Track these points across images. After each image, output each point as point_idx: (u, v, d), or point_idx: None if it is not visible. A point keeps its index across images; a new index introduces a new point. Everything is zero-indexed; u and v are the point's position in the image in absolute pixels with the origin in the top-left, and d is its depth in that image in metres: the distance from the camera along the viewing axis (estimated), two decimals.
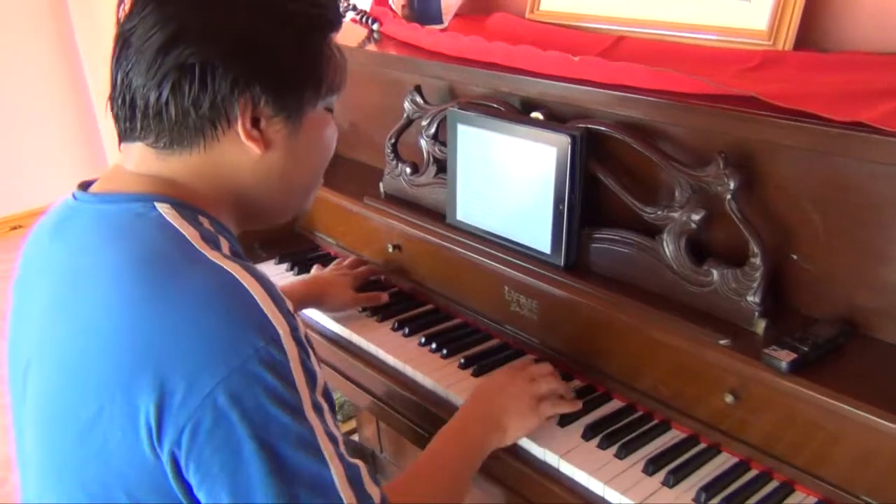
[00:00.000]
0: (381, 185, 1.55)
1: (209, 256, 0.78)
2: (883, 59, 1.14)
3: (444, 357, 1.30)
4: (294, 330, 0.76)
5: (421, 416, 1.24)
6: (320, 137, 0.92)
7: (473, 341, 1.34)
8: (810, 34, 1.21)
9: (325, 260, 1.66)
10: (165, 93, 0.80)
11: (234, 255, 0.82)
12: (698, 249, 1.08)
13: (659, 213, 1.10)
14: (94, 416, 0.75)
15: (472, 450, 1.04)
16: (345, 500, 0.74)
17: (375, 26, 1.69)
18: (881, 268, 0.97)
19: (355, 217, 1.59)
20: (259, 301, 0.75)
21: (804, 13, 1.17)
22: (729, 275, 1.04)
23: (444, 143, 1.40)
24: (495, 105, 1.29)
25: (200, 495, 0.74)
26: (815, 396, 0.92)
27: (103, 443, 0.75)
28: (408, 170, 1.48)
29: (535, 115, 1.22)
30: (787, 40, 1.17)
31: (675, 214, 1.08)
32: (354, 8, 1.72)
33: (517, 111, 1.27)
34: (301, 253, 1.71)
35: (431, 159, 1.43)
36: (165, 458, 0.73)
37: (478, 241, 1.33)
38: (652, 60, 1.10)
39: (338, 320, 1.43)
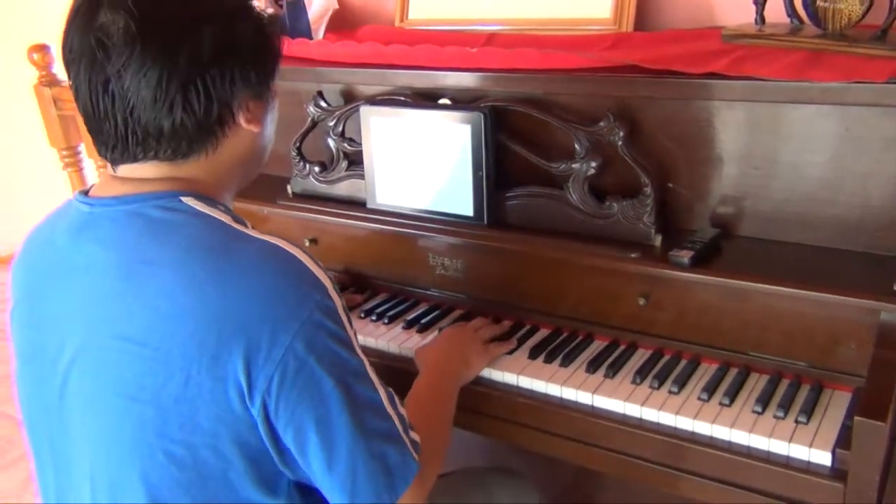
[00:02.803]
0: (288, 186, 1.68)
1: (251, 234, 0.91)
2: (697, 32, 1.48)
3: (387, 324, 1.47)
4: (333, 283, 0.92)
5: (380, 373, 1.40)
6: (276, 97, 1.04)
7: (405, 309, 1.52)
8: (643, 19, 1.54)
9: None
10: (179, 115, 0.89)
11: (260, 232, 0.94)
12: (597, 191, 1.36)
13: (563, 166, 1.36)
14: (180, 387, 0.85)
15: (450, 380, 1.24)
16: (392, 418, 0.93)
17: None
18: (727, 181, 1.30)
19: (263, 220, 1.70)
20: (305, 262, 0.90)
21: (637, 2, 1.50)
22: (627, 205, 1.32)
23: (351, 140, 1.58)
24: (402, 98, 1.49)
25: (287, 434, 0.87)
26: (712, 279, 1.21)
27: (191, 410, 0.86)
28: (316, 168, 1.63)
29: (444, 101, 1.43)
30: (628, 24, 1.49)
31: (577, 165, 1.34)
32: None
33: (424, 100, 1.48)
34: None
35: (341, 155, 1.60)
36: (257, 408, 0.86)
37: (400, 217, 1.52)
38: (540, 44, 1.36)
39: None
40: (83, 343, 0.91)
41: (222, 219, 0.92)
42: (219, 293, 0.85)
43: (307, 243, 1.65)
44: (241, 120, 0.95)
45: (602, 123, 1.30)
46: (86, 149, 2.65)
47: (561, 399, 1.25)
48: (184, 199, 0.92)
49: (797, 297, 1.16)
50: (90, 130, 0.93)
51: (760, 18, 1.36)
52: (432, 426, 1.10)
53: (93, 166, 2.66)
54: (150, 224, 0.90)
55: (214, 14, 0.90)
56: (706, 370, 1.26)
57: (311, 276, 0.89)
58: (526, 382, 1.28)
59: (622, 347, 1.34)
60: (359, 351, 0.93)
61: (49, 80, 2.56)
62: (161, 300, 0.86)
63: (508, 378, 1.30)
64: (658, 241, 1.31)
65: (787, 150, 1.23)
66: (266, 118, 1.00)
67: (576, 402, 1.24)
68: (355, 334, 0.94)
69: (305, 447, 0.87)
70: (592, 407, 1.23)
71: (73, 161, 2.64)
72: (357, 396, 0.89)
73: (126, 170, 0.95)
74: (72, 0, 0.90)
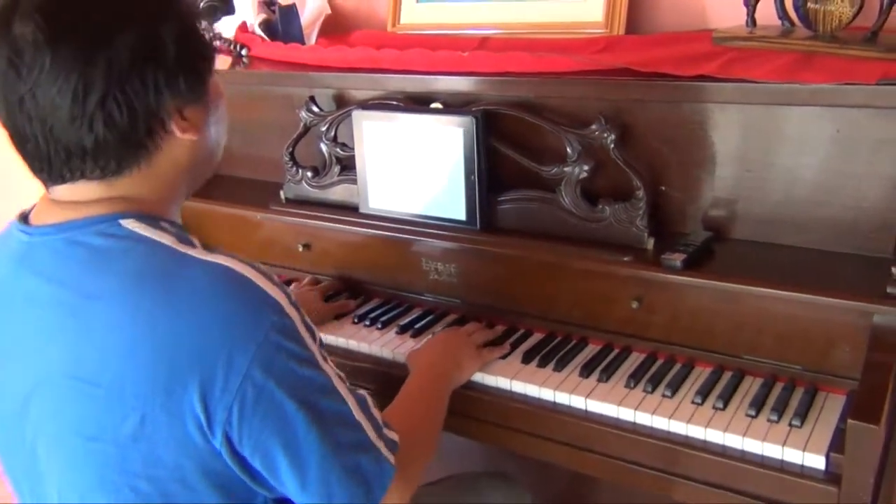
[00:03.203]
0: (281, 192, 1.68)
1: (196, 255, 0.85)
2: (689, 35, 1.48)
3: (380, 329, 1.46)
4: (289, 297, 0.87)
5: (371, 379, 1.39)
6: (220, 97, 0.97)
7: (398, 314, 1.52)
8: (634, 22, 1.54)
9: None
10: (101, 131, 0.82)
11: (209, 249, 0.88)
12: (590, 194, 1.35)
13: (555, 169, 1.35)
14: (137, 426, 0.81)
15: (441, 381, 1.23)
16: (362, 424, 0.91)
17: (244, 52, 1.82)
18: (721, 184, 1.29)
19: (256, 226, 1.70)
20: (256, 281, 0.84)
21: (629, 5, 1.50)
22: (619, 208, 1.31)
23: (343, 145, 1.57)
24: (395, 102, 1.49)
25: (255, 460, 0.85)
26: (704, 282, 1.21)
27: (151, 446, 0.82)
28: (309, 173, 1.63)
29: (436, 105, 1.43)
30: (619, 27, 1.49)
31: (569, 169, 1.34)
32: (220, 37, 1.83)
33: (416, 104, 1.48)
34: None
35: (334, 160, 1.60)
36: (219, 440, 0.82)
37: (392, 222, 1.51)
38: (531, 47, 1.36)
39: None
40: (37, 380, 0.87)
41: (165, 241, 0.85)
42: (167, 325, 0.80)
43: (300, 248, 1.65)
44: (175, 129, 0.88)
45: (594, 126, 1.30)
46: None
47: (554, 403, 1.25)
48: (123, 222, 0.86)
49: (790, 299, 1.15)
50: (17, 151, 0.87)
51: (752, 21, 1.36)
52: (420, 426, 1.09)
53: None
54: (90, 253, 0.85)
55: (131, 17, 0.82)
56: (700, 374, 1.26)
57: (263, 295, 0.84)
58: (519, 387, 1.28)
59: (616, 351, 1.33)
60: (323, 364, 0.89)
61: None
62: (108, 337, 0.82)
63: (501, 382, 1.29)
64: (650, 244, 1.30)
65: (779, 152, 1.23)
66: (208, 122, 0.93)
67: (569, 407, 1.23)
68: (320, 343, 0.91)
69: (276, 471, 0.85)
70: (586, 411, 1.22)
71: None
72: (323, 413, 0.86)
73: (61, 191, 0.88)
74: None
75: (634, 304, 1.29)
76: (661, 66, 1.23)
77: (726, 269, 1.22)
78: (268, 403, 0.83)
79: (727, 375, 1.24)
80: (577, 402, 1.23)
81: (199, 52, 0.90)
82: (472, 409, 1.30)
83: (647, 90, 1.26)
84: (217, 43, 1.84)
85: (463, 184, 1.41)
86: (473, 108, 1.39)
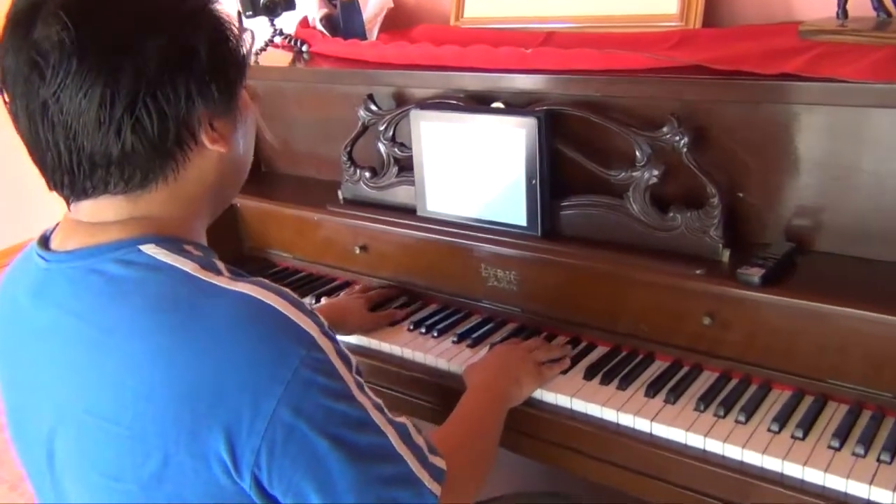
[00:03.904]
0: (339, 192, 1.64)
1: (220, 284, 0.79)
2: (773, 27, 1.37)
3: (436, 338, 1.41)
4: (322, 327, 0.81)
5: (426, 390, 1.34)
6: (249, 110, 0.93)
7: (456, 321, 1.46)
8: (712, 14, 1.43)
9: (282, 275, 1.73)
10: (129, 139, 0.78)
11: (236, 275, 0.83)
12: (660, 201, 1.26)
13: (623, 174, 1.27)
14: (160, 467, 0.77)
15: (498, 400, 1.16)
16: (403, 457, 0.84)
17: (305, 48, 1.78)
18: (808, 192, 1.18)
19: (315, 226, 1.67)
20: (285, 312, 0.78)
21: None
22: (692, 216, 1.22)
23: (402, 144, 1.52)
24: (454, 101, 1.43)
25: (287, 499, 0.79)
26: (785, 301, 1.11)
27: (176, 488, 0.78)
28: (367, 174, 1.58)
29: (497, 104, 1.36)
30: (696, 20, 1.39)
31: (637, 173, 1.25)
32: (281, 33, 1.81)
33: (477, 104, 1.41)
34: (257, 272, 1.76)
35: (392, 160, 1.55)
36: (248, 482, 0.77)
37: (451, 226, 1.45)
38: (599, 44, 1.28)
39: None
40: (59, 414, 0.84)
41: (187, 269, 0.80)
42: (188, 363, 0.76)
43: (357, 251, 1.60)
44: (205, 140, 0.84)
45: (665, 128, 1.21)
46: None
47: (617, 425, 1.17)
48: (143, 247, 0.81)
49: (880, 322, 1.05)
50: (35, 163, 0.83)
51: (843, 12, 1.24)
52: (473, 447, 1.04)
53: None
54: (107, 283, 0.80)
55: (162, 21, 0.79)
56: (778, 397, 1.16)
57: (293, 327, 0.78)
58: (580, 405, 1.20)
59: (685, 369, 1.25)
60: (359, 395, 0.82)
61: None
62: (127, 375, 0.77)
63: (561, 400, 1.22)
64: (726, 256, 1.21)
65: (871, 158, 1.12)
66: (236, 135, 0.88)
67: (633, 430, 1.15)
68: (356, 371, 0.84)
69: None
70: (651, 435, 1.14)
71: None
72: (359, 448, 0.80)
73: (83, 210, 0.84)
74: (7, 11, 0.79)
75: (707, 321, 1.20)
76: (739, 63, 1.13)
77: (809, 286, 1.12)
78: (299, 444, 0.77)
79: (808, 400, 1.14)
80: (642, 424, 1.15)
81: (231, 62, 0.86)
82: (530, 427, 1.23)
83: (724, 90, 1.16)
84: (277, 39, 1.81)
85: (524, 188, 1.33)
86: (536, 108, 1.32)
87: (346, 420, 0.80)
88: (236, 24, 0.87)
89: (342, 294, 1.58)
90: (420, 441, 0.89)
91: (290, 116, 1.81)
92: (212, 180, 0.87)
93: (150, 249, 0.81)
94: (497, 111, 1.35)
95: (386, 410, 0.86)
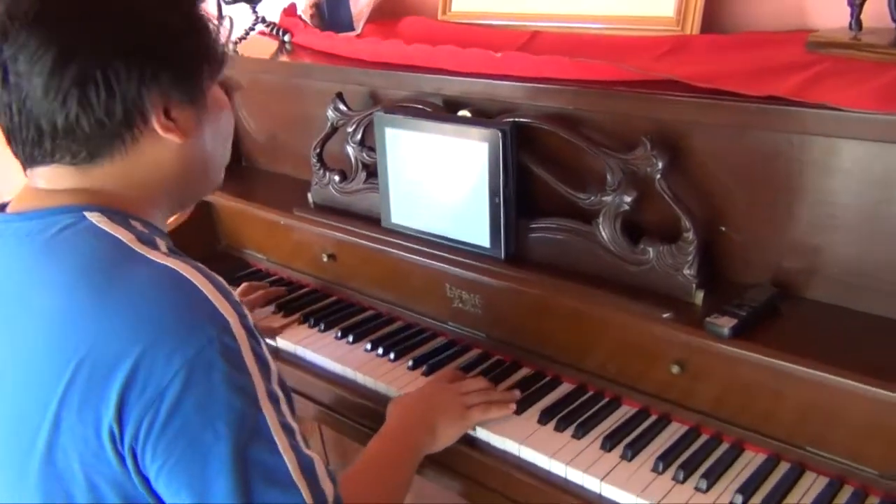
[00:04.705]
0: (309, 195, 1.54)
1: (150, 256, 0.79)
2: (781, 36, 1.21)
3: (392, 361, 1.30)
4: (243, 318, 0.78)
5: (376, 420, 1.24)
6: (222, 110, 0.92)
7: (418, 342, 1.35)
8: (714, 18, 1.27)
9: (255, 277, 1.64)
10: (73, 111, 0.77)
11: (174, 254, 0.82)
12: (632, 230, 1.13)
13: (592, 198, 1.13)
14: (50, 432, 0.75)
15: (409, 451, 1.06)
16: (299, 489, 0.75)
17: (287, 37, 1.68)
18: (801, 230, 1.03)
19: (286, 230, 1.57)
20: (206, 292, 0.76)
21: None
22: (665, 251, 1.08)
23: (371, 148, 1.40)
24: (420, 106, 1.31)
25: (159, 486, 0.74)
26: (757, 357, 0.97)
27: (66, 459, 0.75)
28: (336, 178, 1.48)
29: (463, 112, 1.24)
30: (693, 25, 1.24)
31: (608, 198, 1.12)
32: (263, 20, 1.70)
33: (443, 110, 1.29)
34: (230, 272, 1.67)
35: (360, 165, 1.43)
36: (127, 456, 0.74)
37: (415, 241, 1.34)
38: (568, 52, 1.14)
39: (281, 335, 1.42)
40: None
41: (123, 238, 0.80)
42: (99, 323, 0.74)
43: (325, 259, 1.50)
44: (157, 126, 0.82)
45: (637, 150, 1.07)
46: None
47: (566, 480, 1.05)
48: (88, 214, 0.81)
49: (870, 394, 0.90)
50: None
51: (856, 23, 1.08)
52: (376, 494, 0.95)
53: None
54: (46, 244, 0.80)
55: (131, 2, 0.80)
56: (750, 461, 1.02)
57: (209, 307, 0.76)
58: (528, 454, 1.08)
59: (653, 418, 1.12)
60: (266, 404, 0.77)
61: None
62: (47, 328, 0.77)
63: (509, 446, 1.10)
64: (699, 297, 1.07)
65: (874, 197, 0.96)
66: (201, 130, 0.87)
67: (581, 487, 1.03)
68: (275, 382, 0.79)
69: None
70: (600, 496, 1.02)
71: None
72: (245, 457, 0.73)
73: (38, 177, 0.85)
74: None
75: (675, 369, 1.06)
76: (722, 81, 0.98)
77: (789, 342, 0.97)
78: (180, 425, 0.72)
79: (783, 468, 1.00)
80: (591, 483, 1.02)
81: (199, 54, 0.85)
82: (474, 472, 1.12)
83: (703, 111, 1.02)
84: (259, 27, 1.71)
85: (487, 206, 1.21)
86: (504, 119, 1.18)
87: (241, 420, 0.75)
88: (214, 18, 0.87)
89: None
90: (327, 487, 0.79)
91: (270, 110, 1.71)
92: (170, 170, 0.86)
93: (94, 217, 0.81)
94: (461, 120, 1.22)
95: (299, 437, 0.79)
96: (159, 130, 0.83)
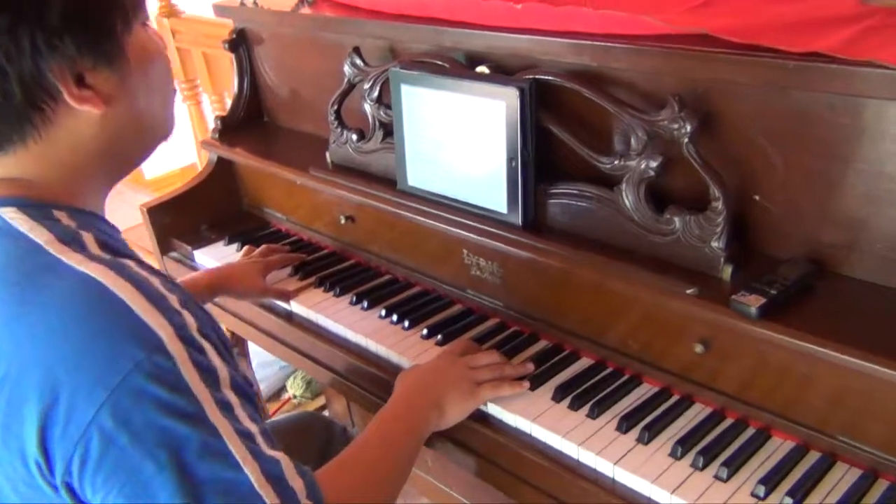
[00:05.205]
0: (327, 154, 1.48)
1: (69, 262, 0.71)
2: None
3: (406, 329, 1.25)
4: (180, 328, 0.70)
5: (386, 390, 1.20)
6: (152, 58, 0.82)
7: (435, 309, 1.30)
8: None
9: (275, 238, 1.60)
10: None
11: (104, 249, 0.75)
12: (658, 197, 1.05)
13: (616, 162, 1.05)
14: None
15: (411, 433, 0.99)
16: (263, 497, 0.69)
17: None
18: (844, 202, 0.94)
19: (303, 191, 1.52)
20: (132, 305, 0.68)
21: None
22: (691, 221, 1.00)
23: (388, 106, 1.34)
24: (439, 62, 1.23)
25: None
26: (786, 340, 0.89)
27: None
28: (354, 136, 1.42)
29: (481, 68, 1.16)
30: None
31: (633, 163, 1.04)
32: None
33: (462, 66, 1.21)
34: (251, 232, 1.64)
35: (377, 124, 1.37)
36: (61, 489, 0.68)
37: (432, 205, 1.27)
38: (595, 2, 1.05)
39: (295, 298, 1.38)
40: None
41: (40, 241, 0.73)
42: (18, 345, 0.68)
43: (343, 221, 1.45)
44: (70, 99, 0.73)
45: (665, 111, 0.98)
46: (201, 83, 2.59)
47: (577, 462, 0.99)
48: (3, 210, 0.74)
49: None
50: None
51: None
52: (371, 484, 0.89)
53: (207, 101, 2.61)
54: None
55: None
56: (776, 448, 0.95)
57: (136, 325, 0.68)
58: (540, 432, 1.03)
59: (675, 398, 1.05)
60: (215, 415, 0.69)
61: (168, 11, 2.50)
62: None
63: (521, 423, 1.05)
64: (728, 272, 0.99)
65: None
66: (129, 89, 0.78)
67: (594, 470, 0.98)
68: (230, 385, 0.72)
69: None
70: (613, 481, 0.96)
71: (192, 94, 2.61)
72: (196, 478, 0.67)
73: None
74: None
75: (699, 348, 0.99)
76: (758, 35, 0.88)
77: (822, 324, 0.89)
78: (116, 460, 0.66)
79: (812, 457, 0.93)
80: (604, 466, 0.97)
81: (99, 6, 0.74)
82: (486, 449, 1.07)
83: (738, 69, 0.92)
84: None
85: (504, 170, 1.14)
86: (521, 78, 1.11)
87: (186, 444, 0.67)
88: None
89: (241, 253, 1.49)
90: (297, 484, 0.73)
91: (290, 65, 1.65)
92: (97, 144, 0.78)
93: (8, 213, 0.75)
94: (479, 77, 1.15)
95: (260, 439, 0.72)
96: (73, 103, 0.74)
